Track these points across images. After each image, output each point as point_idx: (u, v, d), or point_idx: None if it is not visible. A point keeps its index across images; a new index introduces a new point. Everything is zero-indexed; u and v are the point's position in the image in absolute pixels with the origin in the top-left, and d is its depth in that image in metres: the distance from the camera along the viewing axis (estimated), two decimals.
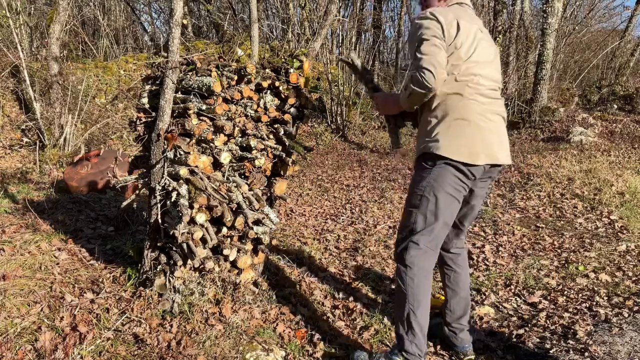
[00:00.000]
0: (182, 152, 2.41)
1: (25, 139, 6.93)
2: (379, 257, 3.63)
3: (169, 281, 2.51)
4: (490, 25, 10.17)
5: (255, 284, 2.79)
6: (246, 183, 2.64)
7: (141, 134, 2.60)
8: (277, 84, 2.65)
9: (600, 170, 5.61)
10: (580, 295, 2.89)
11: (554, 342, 2.37)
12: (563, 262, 3.42)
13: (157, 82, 2.59)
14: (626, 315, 2.58)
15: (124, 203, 2.78)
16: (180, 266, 2.50)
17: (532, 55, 9.88)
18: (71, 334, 2.20)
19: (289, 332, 2.43)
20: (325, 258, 3.61)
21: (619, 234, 3.94)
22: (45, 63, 7.34)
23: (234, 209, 2.54)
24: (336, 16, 10.37)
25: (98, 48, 11.13)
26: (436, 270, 3.21)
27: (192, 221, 2.39)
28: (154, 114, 2.50)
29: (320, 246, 3.90)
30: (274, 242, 2.80)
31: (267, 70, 2.71)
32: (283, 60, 2.74)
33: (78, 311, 2.38)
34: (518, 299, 2.91)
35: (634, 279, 3.09)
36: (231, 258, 2.64)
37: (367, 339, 2.45)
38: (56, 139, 6.67)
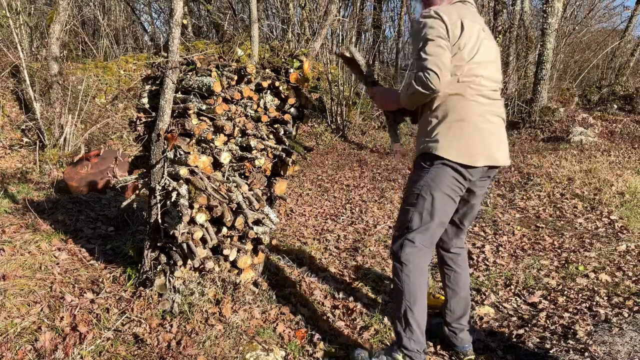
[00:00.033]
0: (182, 152, 2.41)
1: (25, 139, 6.94)
2: (379, 257, 3.63)
3: (169, 281, 2.51)
4: (490, 25, 10.16)
5: (255, 284, 2.79)
6: (246, 183, 2.64)
7: (141, 134, 2.60)
8: (277, 84, 2.65)
9: (600, 170, 5.61)
10: (580, 295, 2.89)
11: (554, 342, 2.37)
12: (563, 262, 3.42)
13: (157, 82, 2.59)
14: (626, 315, 2.58)
15: (124, 203, 2.78)
16: (180, 266, 2.50)
17: (532, 55, 9.88)
18: (71, 334, 2.20)
19: (289, 332, 2.43)
20: (325, 258, 3.61)
21: (619, 234, 3.94)
22: (45, 63, 7.34)
23: (234, 209, 2.54)
24: (336, 16, 10.37)
25: (98, 48, 11.13)
26: (436, 270, 3.21)
27: (192, 221, 2.39)
28: (154, 114, 2.50)
29: (320, 246, 3.90)
30: (274, 242, 2.80)
31: (267, 70, 2.71)
32: (283, 60, 2.74)
33: (78, 311, 2.38)
34: (518, 299, 2.91)
35: (634, 279, 3.09)
36: (231, 258, 2.64)
37: (367, 339, 2.45)
38: (56, 139, 6.68)
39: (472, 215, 2.21)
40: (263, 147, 2.64)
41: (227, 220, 2.48)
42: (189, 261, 2.49)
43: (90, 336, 2.19)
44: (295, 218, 4.80)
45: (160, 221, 2.43)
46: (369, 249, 3.78)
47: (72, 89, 7.17)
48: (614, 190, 4.90)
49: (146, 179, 2.58)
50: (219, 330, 2.33)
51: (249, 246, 2.70)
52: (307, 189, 6.08)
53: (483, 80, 1.97)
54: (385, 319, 2.60)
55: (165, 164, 2.41)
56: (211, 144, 2.51)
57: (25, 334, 2.17)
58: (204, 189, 2.37)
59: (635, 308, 2.66)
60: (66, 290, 2.57)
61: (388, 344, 2.40)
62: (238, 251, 2.66)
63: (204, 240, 2.45)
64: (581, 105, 10.34)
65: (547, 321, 2.58)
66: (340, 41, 12.23)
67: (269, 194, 2.75)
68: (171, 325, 2.33)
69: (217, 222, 2.56)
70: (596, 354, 2.20)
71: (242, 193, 2.57)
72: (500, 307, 2.81)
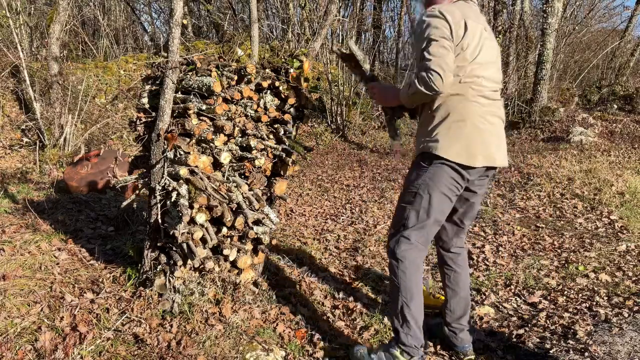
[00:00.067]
0: (182, 152, 2.41)
1: (25, 139, 6.94)
2: (379, 257, 3.63)
3: (169, 281, 2.51)
4: (490, 25, 10.13)
5: (255, 284, 2.79)
6: (246, 183, 2.64)
7: (141, 134, 2.60)
8: (277, 84, 2.65)
9: (600, 170, 5.61)
10: (580, 295, 2.89)
11: (554, 342, 2.37)
12: (563, 262, 3.42)
13: (157, 82, 2.59)
14: (626, 315, 2.58)
15: (124, 203, 2.78)
16: (180, 266, 2.50)
17: (532, 55, 9.88)
18: (71, 334, 2.20)
19: (289, 332, 2.43)
20: (325, 258, 3.61)
21: (619, 234, 3.94)
22: (45, 63, 7.34)
23: (234, 209, 2.54)
24: (336, 16, 10.37)
25: (98, 48, 11.13)
26: (436, 270, 3.21)
27: (192, 221, 2.39)
28: (154, 114, 2.50)
29: (320, 246, 3.90)
30: (274, 242, 2.80)
31: (267, 70, 2.71)
32: (283, 60, 2.74)
33: (78, 311, 2.38)
34: (518, 299, 2.91)
35: (634, 279, 3.09)
36: (231, 258, 2.64)
37: (367, 338, 2.45)
38: (56, 139, 6.68)
39: (472, 214, 2.21)
40: (263, 147, 2.64)
41: (227, 220, 2.48)
42: (189, 261, 2.49)
43: (90, 336, 2.19)
44: (295, 218, 4.80)
45: (160, 221, 2.43)
46: (369, 249, 3.78)
47: (72, 89, 7.17)
48: (614, 190, 4.90)
49: (146, 179, 2.58)
50: (219, 330, 2.33)
51: (249, 246, 2.70)
52: (307, 189, 6.08)
53: (484, 81, 1.97)
54: (385, 319, 2.60)
55: (165, 164, 2.42)
56: (211, 144, 2.51)
57: (25, 334, 2.17)
58: (204, 189, 2.37)
59: (635, 308, 2.66)
60: (66, 290, 2.57)
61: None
62: (238, 251, 2.66)
63: (204, 240, 2.45)
64: (581, 105, 10.34)
65: (547, 321, 2.59)
66: (341, 41, 12.23)
67: (269, 194, 2.75)
68: (171, 325, 2.33)
69: (217, 222, 2.56)
70: (596, 354, 2.20)
71: (242, 193, 2.57)
72: (500, 307, 2.81)
